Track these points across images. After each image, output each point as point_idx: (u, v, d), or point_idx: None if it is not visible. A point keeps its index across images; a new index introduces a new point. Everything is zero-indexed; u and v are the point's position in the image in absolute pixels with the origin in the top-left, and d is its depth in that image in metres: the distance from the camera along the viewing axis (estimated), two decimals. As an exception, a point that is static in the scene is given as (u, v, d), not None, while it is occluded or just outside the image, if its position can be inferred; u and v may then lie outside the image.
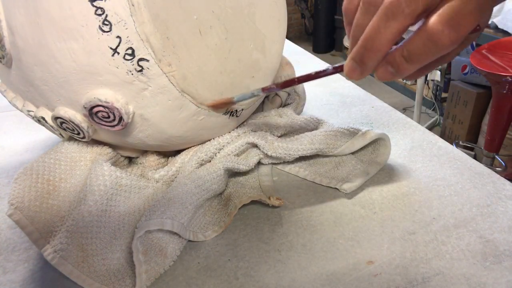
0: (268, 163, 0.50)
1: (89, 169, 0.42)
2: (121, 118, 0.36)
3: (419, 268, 0.35)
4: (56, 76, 0.35)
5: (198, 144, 0.48)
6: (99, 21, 0.32)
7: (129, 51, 0.34)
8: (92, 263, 0.35)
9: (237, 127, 0.49)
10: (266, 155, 0.48)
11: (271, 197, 0.43)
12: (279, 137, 0.51)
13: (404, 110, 2.36)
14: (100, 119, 0.37)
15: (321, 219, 0.41)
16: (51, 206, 0.38)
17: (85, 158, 0.43)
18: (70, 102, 0.37)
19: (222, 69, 0.41)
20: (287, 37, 0.56)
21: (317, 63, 0.93)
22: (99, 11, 0.32)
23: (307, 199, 0.45)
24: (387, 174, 0.48)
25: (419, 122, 1.97)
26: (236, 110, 0.45)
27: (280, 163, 0.50)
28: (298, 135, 0.51)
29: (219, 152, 0.46)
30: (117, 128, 0.38)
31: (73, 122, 0.38)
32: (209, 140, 0.47)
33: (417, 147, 0.54)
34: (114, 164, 0.45)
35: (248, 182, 0.47)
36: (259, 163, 0.50)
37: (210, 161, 0.46)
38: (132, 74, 0.35)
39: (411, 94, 2.43)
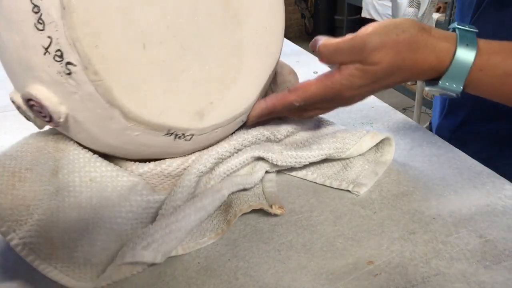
0: (274, 171, 0.49)
1: (53, 156, 0.41)
2: (51, 116, 0.36)
3: (419, 268, 0.35)
4: (6, 63, 0.37)
5: (191, 153, 0.45)
6: (35, 18, 0.33)
7: (58, 53, 0.33)
8: (60, 255, 0.35)
9: (236, 135, 0.47)
10: (274, 165, 0.47)
11: (273, 206, 0.42)
12: (282, 140, 0.50)
13: (404, 110, 2.36)
14: (36, 112, 0.37)
15: (321, 219, 0.41)
16: (15, 196, 0.37)
17: (48, 145, 0.42)
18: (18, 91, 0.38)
19: (167, 88, 0.39)
20: (287, 37, 0.55)
21: (317, 63, 0.93)
22: (36, 9, 0.32)
23: (307, 199, 0.45)
24: (387, 174, 0.48)
25: (419, 122, 1.97)
26: (183, 134, 0.41)
27: (287, 168, 0.49)
28: (304, 138, 0.50)
29: (221, 163, 0.45)
30: (51, 124, 0.38)
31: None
32: (193, 153, 0.45)
33: (417, 147, 0.54)
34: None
35: (251, 188, 0.46)
36: None
37: (210, 172, 0.45)
38: (61, 76, 0.34)
39: (411, 94, 2.42)
